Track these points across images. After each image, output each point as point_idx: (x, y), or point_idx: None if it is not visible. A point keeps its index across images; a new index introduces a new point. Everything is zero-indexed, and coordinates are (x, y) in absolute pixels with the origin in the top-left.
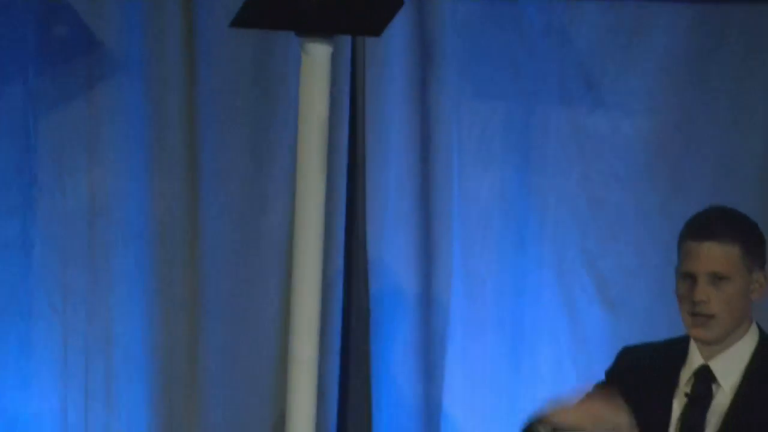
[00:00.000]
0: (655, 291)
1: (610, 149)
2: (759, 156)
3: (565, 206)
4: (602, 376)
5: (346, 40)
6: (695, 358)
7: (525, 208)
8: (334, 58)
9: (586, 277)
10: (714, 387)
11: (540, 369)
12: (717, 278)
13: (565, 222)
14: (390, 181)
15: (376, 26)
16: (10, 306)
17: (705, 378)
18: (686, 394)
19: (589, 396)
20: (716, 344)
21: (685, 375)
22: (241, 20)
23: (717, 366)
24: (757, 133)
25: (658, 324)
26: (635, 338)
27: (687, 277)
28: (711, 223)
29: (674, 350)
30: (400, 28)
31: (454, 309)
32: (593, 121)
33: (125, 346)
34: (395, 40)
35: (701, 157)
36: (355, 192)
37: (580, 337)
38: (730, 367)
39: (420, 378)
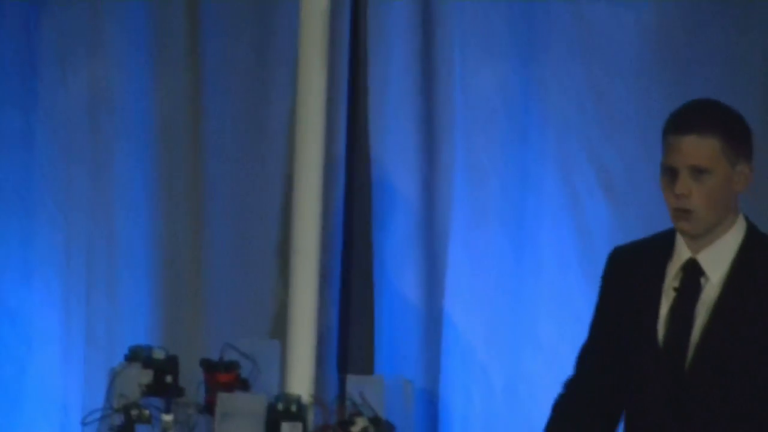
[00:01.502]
0: (656, 181)
1: (613, 41)
2: (763, 49)
3: (568, 98)
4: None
5: None
6: (683, 252)
7: (527, 100)
8: None
9: (589, 168)
10: (702, 280)
11: (542, 260)
12: (698, 172)
13: (568, 113)
14: (392, 75)
15: None
16: (12, 200)
17: (693, 271)
18: (674, 288)
19: None
20: (701, 237)
21: (673, 269)
22: None
23: (704, 259)
24: (762, 29)
25: (660, 213)
26: (637, 228)
27: (669, 171)
28: (691, 117)
29: (661, 244)
30: None
31: (457, 201)
32: (596, 13)
33: (127, 241)
34: None
35: (704, 48)
36: (357, 84)
37: (583, 228)
38: (717, 260)
39: (422, 270)
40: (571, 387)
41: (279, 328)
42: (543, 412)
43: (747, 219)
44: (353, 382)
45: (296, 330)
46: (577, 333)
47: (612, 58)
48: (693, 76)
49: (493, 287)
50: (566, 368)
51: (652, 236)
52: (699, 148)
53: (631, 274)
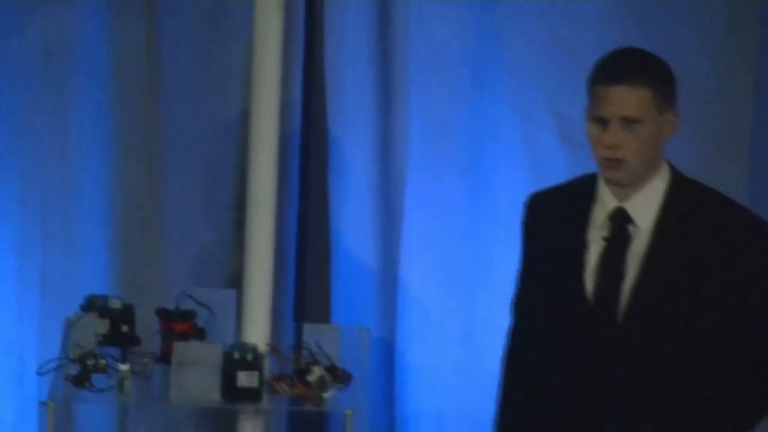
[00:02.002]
0: None
1: None
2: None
3: (524, 44)
4: None
5: None
6: (608, 200)
7: (483, 46)
8: None
9: (546, 115)
10: (631, 228)
11: (498, 207)
12: (629, 122)
13: (527, 61)
14: (348, 22)
15: None
16: None
17: (621, 220)
18: (604, 238)
19: None
20: (630, 186)
21: (600, 217)
22: None
23: (632, 207)
24: None
25: None
26: None
27: (599, 121)
28: (621, 67)
29: (582, 191)
30: None
31: (413, 149)
32: None
33: (83, 190)
34: None
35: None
36: (313, 31)
37: (541, 175)
38: (645, 207)
39: (378, 218)
40: (514, 339)
41: (235, 277)
42: (499, 359)
43: (671, 165)
44: (310, 331)
45: (252, 279)
46: None
47: (574, 5)
48: (655, 27)
49: (449, 235)
50: None
51: (571, 181)
52: (630, 98)
53: (552, 221)
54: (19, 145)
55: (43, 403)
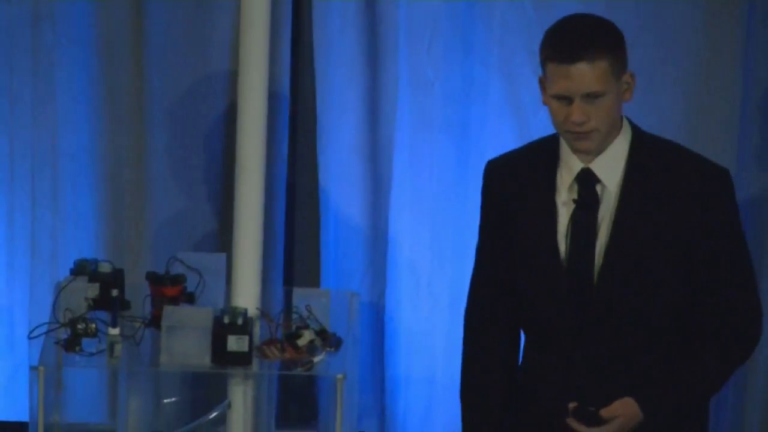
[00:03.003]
0: None
1: None
2: None
3: (512, 9)
4: None
5: None
6: (573, 163)
7: (472, 10)
8: None
9: (534, 79)
10: (599, 188)
11: None
12: (592, 97)
13: (512, 25)
14: None
15: None
16: None
17: (588, 181)
18: (573, 200)
19: None
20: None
21: (566, 179)
22: None
23: (598, 167)
24: None
25: None
26: None
27: (561, 99)
28: (576, 44)
29: (545, 153)
30: None
31: (401, 114)
32: None
33: (71, 153)
34: None
35: None
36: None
37: (527, 140)
38: (610, 166)
39: (367, 183)
40: (476, 311)
41: (226, 241)
42: None
43: (630, 121)
44: (299, 295)
45: (242, 243)
46: None
47: None
48: None
49: (438, 199)
50: None
51: (529, 146)
52: (591, 74)
53: (514, 188)
54: (8, 110)
55: (33, 368)
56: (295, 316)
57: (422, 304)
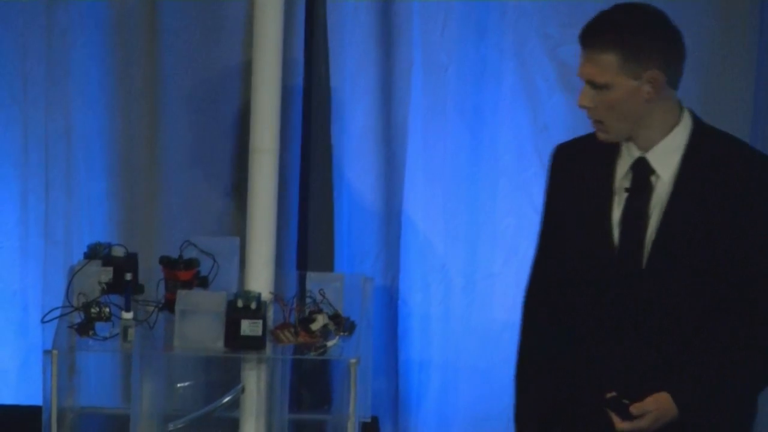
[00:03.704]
0: None
1: None
2: None
3: None
4: None
5: None
6: (632, 150)
7: None
8: None
9: (548, 63)
10: (653, 179)
11: (501, 156)
12: (596, 86)
13: (526, 8)
14: None
15: None
16: None
17: (643, 170)
18: (626, 189)
19: None
20: (631, 141)
21: (622, 168)
22: None
23: (653, 157)
24: None
25: None
26: None
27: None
28: (592, 31)
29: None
30: None
31: (415, 98)
32: None
33: (84, 136)
34: None
35: None
36: None
37: (541, 124)
38: (666, 157)
39: (381, 167)
40: (535, 296)
41: (239, 225)
42: (502, 308)
43: (692, 113)
44: (313, 279)
45: (256, 227)
46: (535, 227)
47: None
48: None
49: (452, 184)
50: (524, 263)
51: (595, 133)
52: (595, 63)
53: (577, 173)
54: (21, 93)
55: (47, 352)
56: (308, 300)
57: (436, 288)
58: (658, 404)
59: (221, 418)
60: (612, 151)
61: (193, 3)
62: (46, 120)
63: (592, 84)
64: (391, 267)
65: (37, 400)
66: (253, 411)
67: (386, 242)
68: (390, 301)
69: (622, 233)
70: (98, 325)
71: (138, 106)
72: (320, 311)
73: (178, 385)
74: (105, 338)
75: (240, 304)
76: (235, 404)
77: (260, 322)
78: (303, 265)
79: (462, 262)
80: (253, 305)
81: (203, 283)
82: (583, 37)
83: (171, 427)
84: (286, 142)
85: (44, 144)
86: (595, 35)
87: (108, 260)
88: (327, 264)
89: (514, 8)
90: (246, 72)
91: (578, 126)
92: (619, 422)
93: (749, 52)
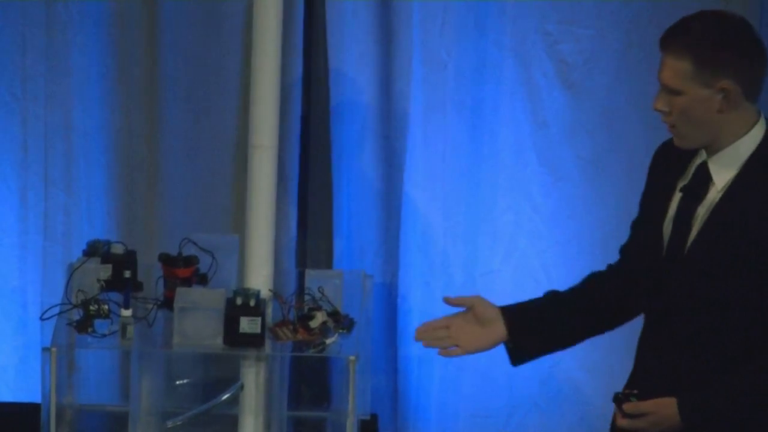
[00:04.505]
0: (613, 75)
1: None
2: None
3: None
4: (561, 160)
5: None
6: (702, 154)
7: None
8: None
9: (547, 60)
10: (711, 184)
11: (500, 152)
12: (670, 92)
13: (525, 5)
14: None
15: None
16: None
17: (702, 174)
18: (680, 189)
19: None
20: (704, 148)
21: (692, 170)
22: None
23: (714, 163)
24: None
25: (617, 107)
26: (594, 122)
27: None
28: (671, 35)
29: None
30: None
31: (414, 94)
32: None
33: (84, 133)
34: None
35: None
36: None
37: (540, 120)
38: (725, 166)
39: (381, 164)
40: (608, 270)
41: (238, 222)
42: (501, 304)
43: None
44: (312, 276)
45: (255, 224)
46: (534, 224)
47: None
48: None
49: (451, 179)
50: (524, 259)
51: None
52: (669, 68)
53: (662, 169)
54: (21, 88)
55: (46, 349)
56: (307, 297)
57: (435, 285)
58: (657, 408)
59: (220, 416)
60: (694, 153)
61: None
62: (45, 116)
63: (667, 89)
64: (391, 264)
65: (36, 397)
66: (252, 408)
67: (385, 239)
68: (389, 297)
69: (672, 233)
70: (97, 322)
71: (137, 103)
72: (319, 308)
73: (177, 382)
74: (104, 335)
75: (239, 301)
76: (234, 401)
77: (259, 319)
78: (302, 262)
79: (461, 259)
80: (252, 302)
81: (202, 280)
82: (662, 41)
83: (170, 424)
84: (286, 138)
85: (43, 140)
86: (671, 40)
87: (107, 257)
88: (326, 261)
89: (514, 5)
90: (245, 68)
91: (577, 123)
92: (620, 418)
93: None
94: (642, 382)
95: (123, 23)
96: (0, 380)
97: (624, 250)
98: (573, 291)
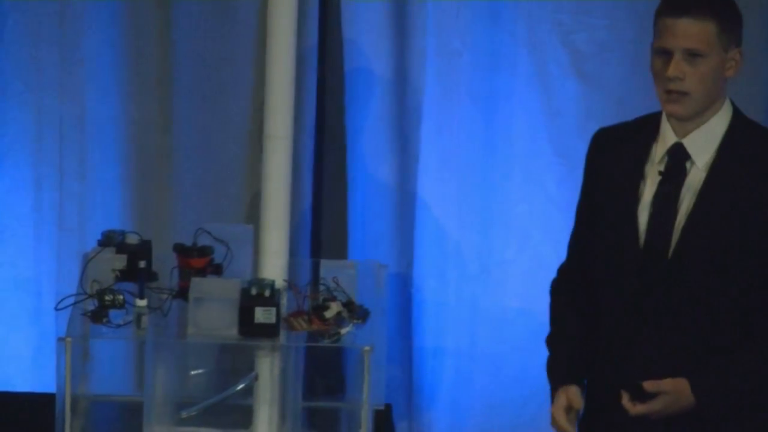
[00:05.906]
0: (627, 65)
1: None
2: None
3: None
4: (575, 150)
5: None
6: (669, 136)
7: None
8: None
9: (561, 50)
10: (688, 164)
11: (514, 142)
12: (692, 55)
13: None
14: None
15: None
16: None
17: (679, 155)
18: (660, 172)
19: None
20: (690, 120)
21: (659, 152)
22: None
23: (690, 143)
24: None
25: (631, 97)
26: (608, 111)
27: (663, 53)
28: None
29: (646, 127)
30: None
31: (428, 84)
32: None
33: (98, 124)
34: None
35: None
36: None
37: (554, 111)
38: (703, 144)
39: (395, 154)
40: (563, 273)
41: (253, 213)
42: (516, 295)
43: (733, 104)
44: (326, 266)
45: (270, 215)
46: (549, 214)
47: None
48: None
49: (465, 169)
50: (538, 250)
51: (637, 119)
52: (694, 31)
53: (613, 156)
54: (35, 79)
55: (60, 339)
56: (322, 287)
57: (450, 275)
58: (675, 387)
59: (235, 406)
60: (650, 136)
61: None
62: (59, 107)
63: (688, 52)
64: (405, 254)
65: (50, 387)
66: (266, 398)
67: (400, 229)
68: (404, 288)
69: (651, 219)
70: (112, 312)
71: (151, 93)
72: (334, 299)
73: (192, 372)
74: (118, 326)
75: (254, 291)
76: (249, 392)
77: (274, 309)
78: (317, 252)
79: (475, 249)
80: (267, 293)
81: (217, 270)
82: (683, 5)
83: (184, 414)
84: (300, 129)
85: (58, 131)
86: (698, 3)
87: (122, 247)
88: (341, 251)
89: None
90: (260, 58)
91: (591, 112)
92: (632, 406)
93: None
94: (632, 370)
95: (137, 13)
96: (15, 370)
97: (576, 248)
98: (578, 325)
